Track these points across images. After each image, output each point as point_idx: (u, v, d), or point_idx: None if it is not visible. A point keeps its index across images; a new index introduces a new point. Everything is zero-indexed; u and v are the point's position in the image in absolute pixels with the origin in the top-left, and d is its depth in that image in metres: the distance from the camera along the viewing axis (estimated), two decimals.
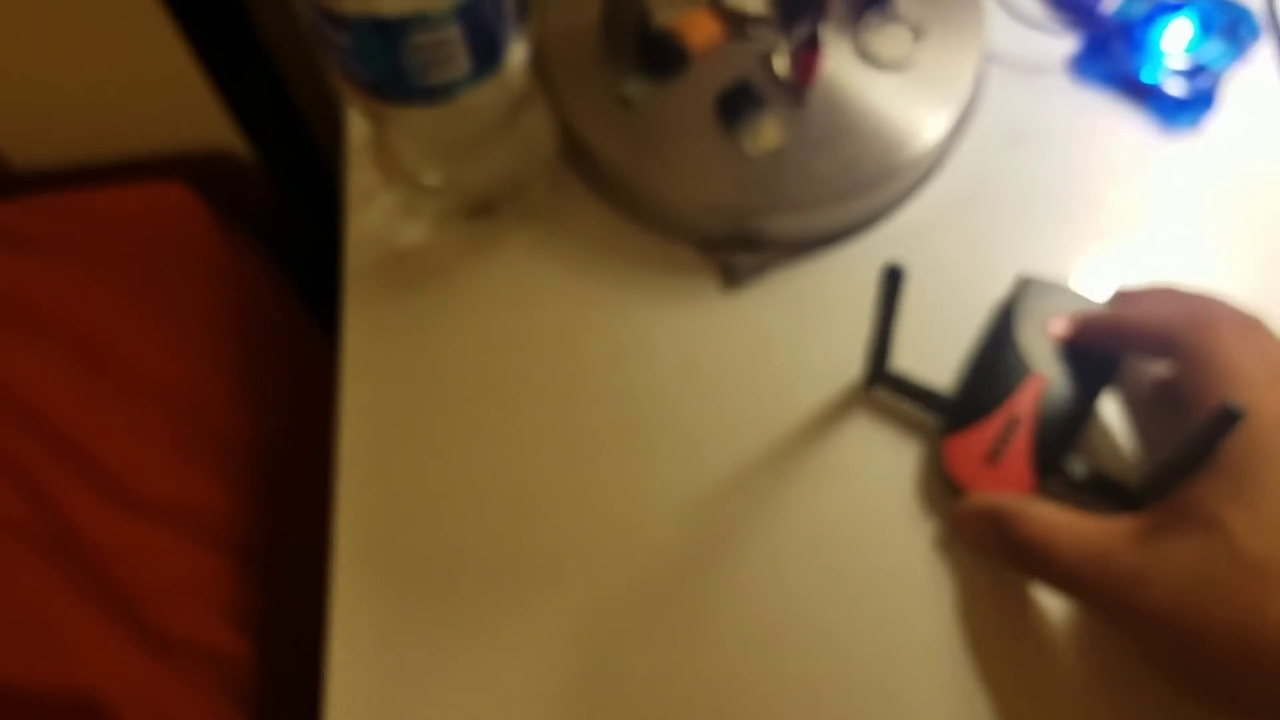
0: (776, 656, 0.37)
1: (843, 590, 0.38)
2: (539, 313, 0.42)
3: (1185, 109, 0.43)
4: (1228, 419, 0.31)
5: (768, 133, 0.41)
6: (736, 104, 0.42)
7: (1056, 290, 0.40)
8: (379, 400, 0.41)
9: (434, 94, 0.35)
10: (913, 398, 0.39)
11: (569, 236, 0.44)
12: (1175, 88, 0.43)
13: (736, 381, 0.41)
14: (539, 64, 0.44)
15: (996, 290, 0.41)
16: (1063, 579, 0.34)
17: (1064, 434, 0.38)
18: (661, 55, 0.42)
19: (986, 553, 0.37)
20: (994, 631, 0.37)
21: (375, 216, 0.44)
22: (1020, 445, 0.37)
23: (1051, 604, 0.37)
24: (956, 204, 0.43)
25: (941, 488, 0.38)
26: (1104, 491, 0.37)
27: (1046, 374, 0.38)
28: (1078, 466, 0.37)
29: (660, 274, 0.43)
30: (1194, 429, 0.32)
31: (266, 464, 0.60)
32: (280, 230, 0.67)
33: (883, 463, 0.39)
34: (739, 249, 0.43)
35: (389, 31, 0.33)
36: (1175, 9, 0.43)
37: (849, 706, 0.36)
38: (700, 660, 0.37)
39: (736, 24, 0.43)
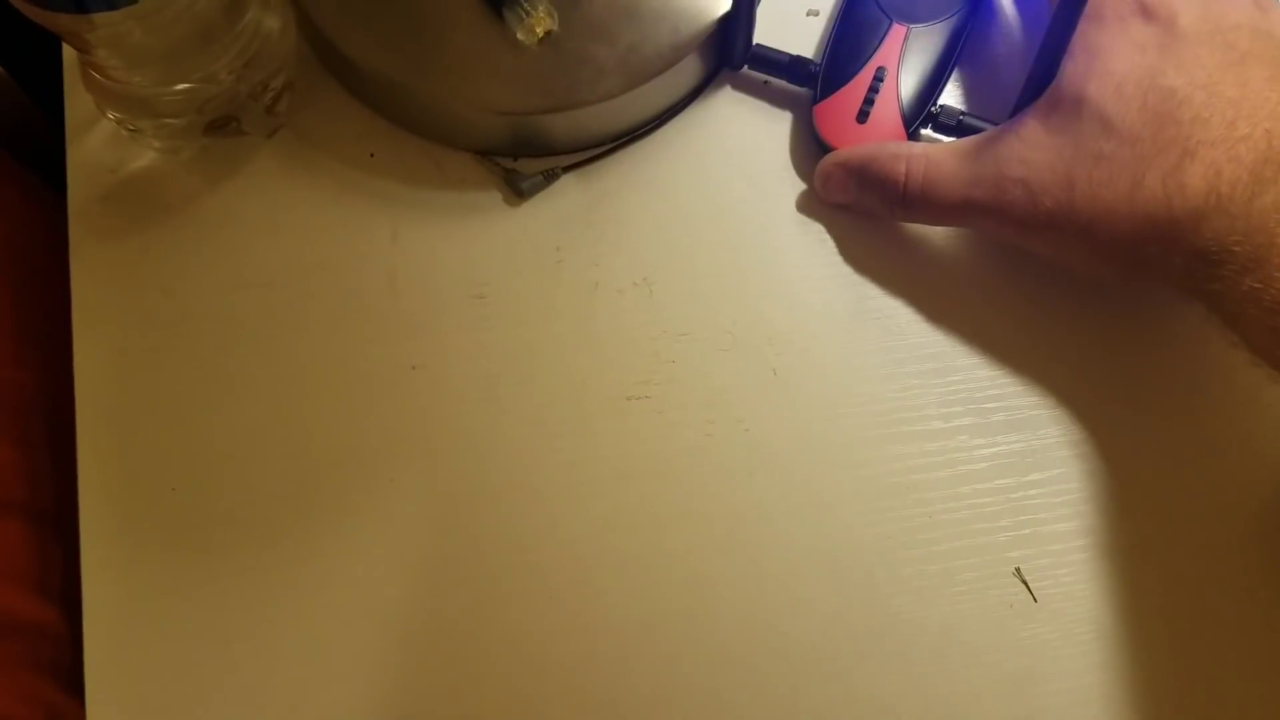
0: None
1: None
2: (298, 241, 0.37)
3: None
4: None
5: (540, 17, 0.36)
6: None
7: None
8: (117, 354, 0.36)
9: None
10: (780, 71, 0.39)
11: (328, 150, 0.38)
12: None
13: (531, 305, 0.37)
14: None
15: None
16: (950, 210, 0.34)
17: (931, 80, 0.37)
18: None
19: (857, 208, 0.37)
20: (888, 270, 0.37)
21: (97, 142, 0.38)
22: (889, 97, 0.37)
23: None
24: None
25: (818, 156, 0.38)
26: (975, 131, 0.37)
27: (908, 23, 0.37)
28: (947, 109, 0.37)
29: (437, 188, 0.38)
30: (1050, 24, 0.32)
31: (54, 417, 0.55)
32: (47, 149, 0.59)
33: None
34: (523, 154, 0.39)
35: None
36: None
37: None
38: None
39: None
